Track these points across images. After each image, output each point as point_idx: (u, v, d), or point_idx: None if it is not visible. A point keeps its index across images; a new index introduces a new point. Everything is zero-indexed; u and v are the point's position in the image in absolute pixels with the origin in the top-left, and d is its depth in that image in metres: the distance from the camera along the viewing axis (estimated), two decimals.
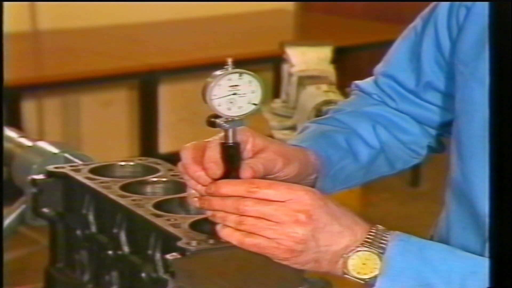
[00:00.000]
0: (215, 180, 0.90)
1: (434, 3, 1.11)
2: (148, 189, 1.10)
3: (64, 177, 1.12)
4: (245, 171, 0.91)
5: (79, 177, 1.11)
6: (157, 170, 1.13)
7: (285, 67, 2.60)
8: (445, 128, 1.14)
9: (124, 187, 1.07)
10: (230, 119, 0.90)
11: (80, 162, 1.20)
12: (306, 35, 4.12)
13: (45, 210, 1.12)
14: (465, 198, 1.03)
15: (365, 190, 3.02)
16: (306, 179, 1.02)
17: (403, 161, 1.15)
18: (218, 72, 0.89)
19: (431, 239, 1.13)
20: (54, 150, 1.25)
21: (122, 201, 1.03)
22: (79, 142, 3.74)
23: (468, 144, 1.02)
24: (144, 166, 1.16)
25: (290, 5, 4.24)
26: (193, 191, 0.92)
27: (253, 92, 0.90)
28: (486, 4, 0.99)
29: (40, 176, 1.13)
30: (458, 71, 1.05)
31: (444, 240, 1.07)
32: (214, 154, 0.91)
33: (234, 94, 0.89)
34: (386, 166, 1.14)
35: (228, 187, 0.88)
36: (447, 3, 1.08)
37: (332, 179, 1.06)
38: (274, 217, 0.87)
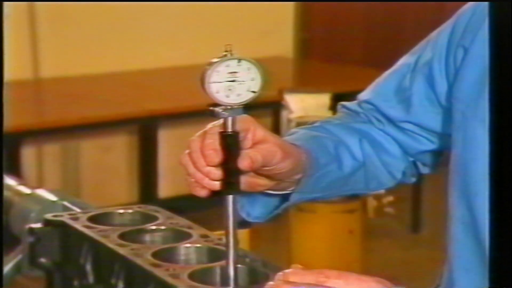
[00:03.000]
0: (213, 167, 0.90)
1: (427, 40, 1.13)
2: (147, 237, 1.09)
3: (62, 225, 1.11)
4: (244, 160, 0.91)
5: (77, 225, 1.10)
6: (156, 218, 1.13)
7: (284, 114, 2.61)
8: (421, 156, 1.16)
9: (122, 236, 1.06)
10: (229, 107, 0.88)
11: (79, 210, 1.19)
12: (305, 82, 4.15)
13: (42, 260, 1.11)
14: (472, 234, 1.04)
15: (365, 235, 3.00)
16: (291, 178, 1.01)
17: (377, 182, 1.16)
18: (216, 59, 0.88)
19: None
20: (52, 198, 1.24)
21: (120, 250, 1.02)
22: (78, 188, 3.73)
23: (474, 181, 1.03)
24: (143, 214, 1.15)
25: (289, 52, 4.28)
26: (193, 180, 0.92)
27: (253, 79, 0.88)
28: (485, 44, 1.01)
29: (38, 225, 1.12)
30: (458, 110, 1.06)
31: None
32: (213, 142, 0.91)
33: (233, 81, 0.87)
34: (362, 182, 1.14)
35: (297, 276, 0.86)
36: (444, 42, 1.10)
37: (314, 183, 1.05)
38: None
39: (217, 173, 0.92)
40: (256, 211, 1.05)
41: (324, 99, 2.50)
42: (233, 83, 0.87)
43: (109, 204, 1.19)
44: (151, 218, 1.13)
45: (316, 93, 2.53)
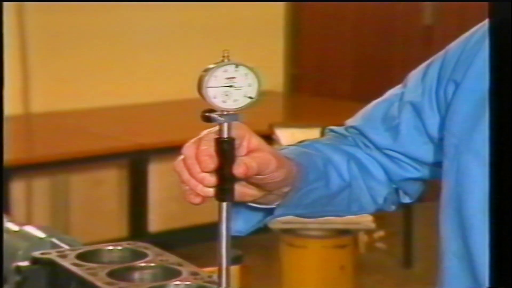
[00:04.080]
0: (208, 173, 0.89)
1: (417, 72, 1.14)
2: (136, 275, 1.08)
3: (50, 263, 1.10)
4: (239, 167, 0.90)
5: (65, 263, 1.08)
6: (145, 255, 1.11)
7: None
8: (404, 184, 1.16)
9: (111, 274, 1.05)
10: (225, 113, 0.87)
11: (67, 247, 1.18)
12: (295, 117, 4.16)
13: None
14: (468, 268, 1.03)
15: (357, 271, 2.98)
16: (280, 190, 1.01)
17: (359, 205, 1.15)
18: (213, 64, 0.87)
19: None
20: (41, 234, 1.22)
21: None
22: (68, 222, 3.70)
23: (469, 215, 1.03)
24: (132, 251, 1.14)
25: (279, 87, 4.30)
26: (188, 187, 0.91)
27: (250, 85, 0.88)
28: (477, 79, 1.02)
29: (25, 263, 1.11)
30: (450, 143, 1.07)
31: None
32: (208, 148, 0.90)
33: (230, 86, 0.87)
34: (345, 204, 1.14)
35: None
36: (434, 75, 1.10)
37: (300, 198, 1.05)
38: None
39: (212, 179, 0.91)
40: (237, 225, 1.04)
41: (314, 133, 2.50)
42: (230, 89, 0.87)
43: (99, 239, 1.18)
44: (141, 255, 1.11)
45: (306, 128, 2.53)
